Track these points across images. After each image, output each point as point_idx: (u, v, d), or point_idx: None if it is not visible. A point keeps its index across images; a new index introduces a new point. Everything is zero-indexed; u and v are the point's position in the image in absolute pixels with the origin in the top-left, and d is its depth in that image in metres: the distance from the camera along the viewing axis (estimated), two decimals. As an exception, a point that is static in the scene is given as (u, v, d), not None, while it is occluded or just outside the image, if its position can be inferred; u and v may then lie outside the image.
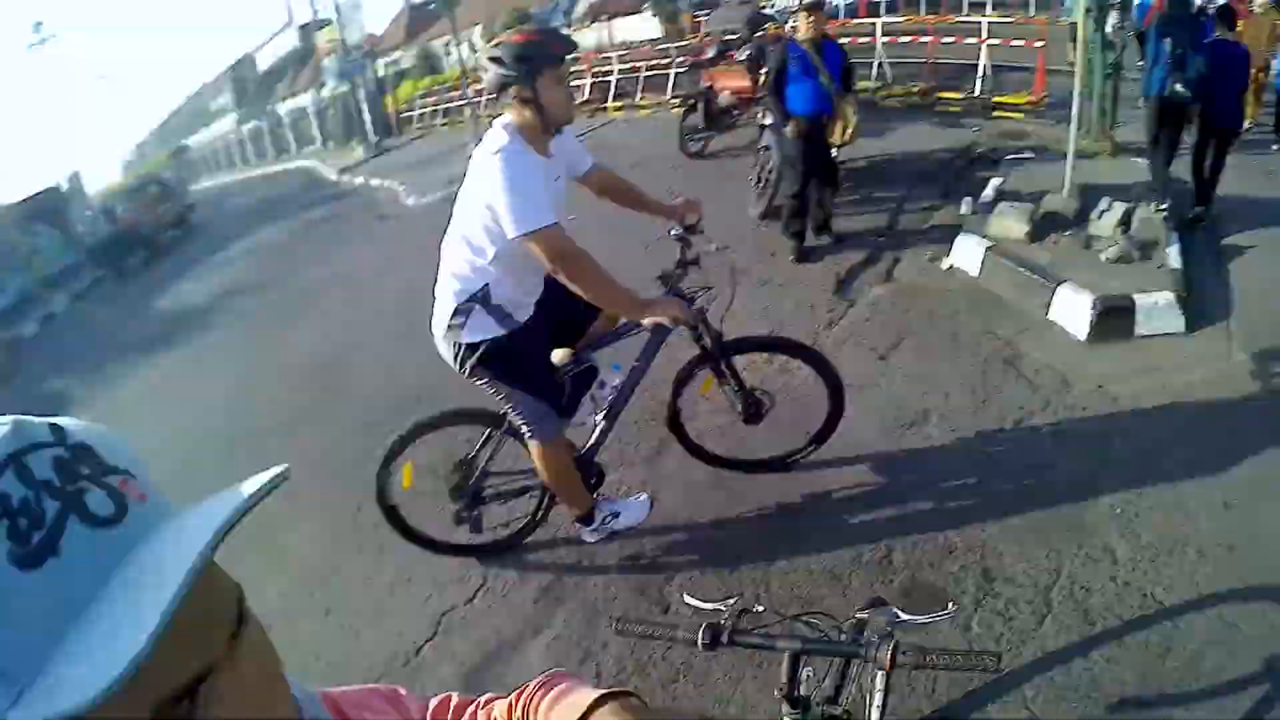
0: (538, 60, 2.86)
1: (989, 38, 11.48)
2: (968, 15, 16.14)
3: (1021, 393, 4.48)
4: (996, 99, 10.90)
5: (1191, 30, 6.46)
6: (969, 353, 5.00)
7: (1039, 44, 10.75)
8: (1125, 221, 6.01)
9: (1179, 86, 6.27)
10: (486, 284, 3.01)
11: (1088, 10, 7.76)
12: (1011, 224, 6.24)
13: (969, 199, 7.18)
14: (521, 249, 2.86)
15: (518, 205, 2.79)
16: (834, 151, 6.94)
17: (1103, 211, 6.23)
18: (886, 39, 13.22)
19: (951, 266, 6.28)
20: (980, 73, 11.29)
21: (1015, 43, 11.30)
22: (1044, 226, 6.27)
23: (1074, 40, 8.45)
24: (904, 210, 7.58)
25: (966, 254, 6.22)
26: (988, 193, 7.27)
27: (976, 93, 11.22)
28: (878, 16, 15.50)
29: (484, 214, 2.90)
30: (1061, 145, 8.48)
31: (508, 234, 2.83)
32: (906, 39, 13.53)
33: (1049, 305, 5.36)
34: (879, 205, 7.75)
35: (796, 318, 5.80)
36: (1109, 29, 8.34)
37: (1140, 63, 7.99)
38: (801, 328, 5.48)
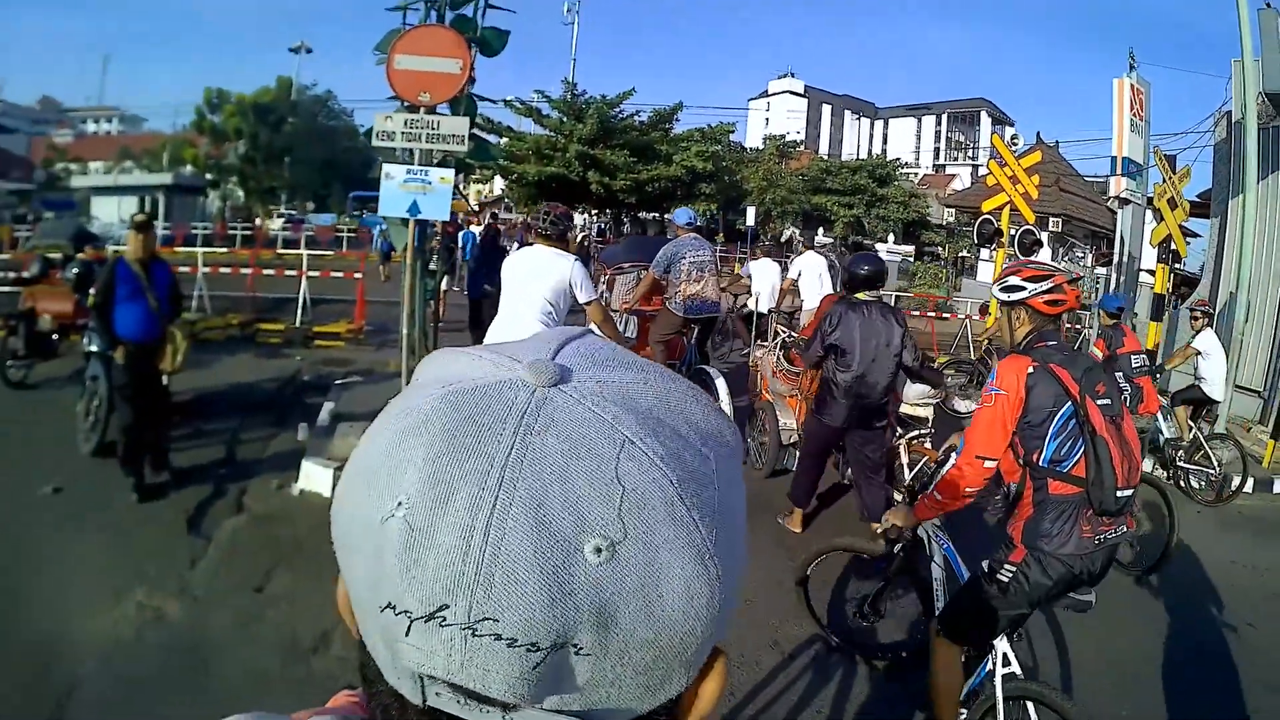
0: None
1: (309, 270, 12.60)
2: (285, 249, 17.47)
3: None
4: (316, 328, 11.92)
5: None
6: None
7: (358, 275, 12.26)
8: None
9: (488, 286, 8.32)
10: None
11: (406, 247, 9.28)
12: (355, 443, 6.85)
13: (304, 424, 7.70)
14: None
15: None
16: (164, 379, 6.84)
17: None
18: (207, 269, 13.59)
19: (302, 490, 6.62)
20: (300, 304, 12.28)
21: (335, 274, 12.80)
22: None
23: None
24: (240, 440, 7.76)
25: (316, 476, 6.62)
26: (323, 416, 7.86)
27: (297, 323, 12.14)
28: (196, 246, 15.91)
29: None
30: (385, 367, 9.71)
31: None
32: (227, 270, 14.10)
33: None
34: (214, 438, 7.82)
35: (156, 565, 5.46)
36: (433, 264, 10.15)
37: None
38: (166, 572, 5.28)
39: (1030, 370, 3.12)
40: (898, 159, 46.67)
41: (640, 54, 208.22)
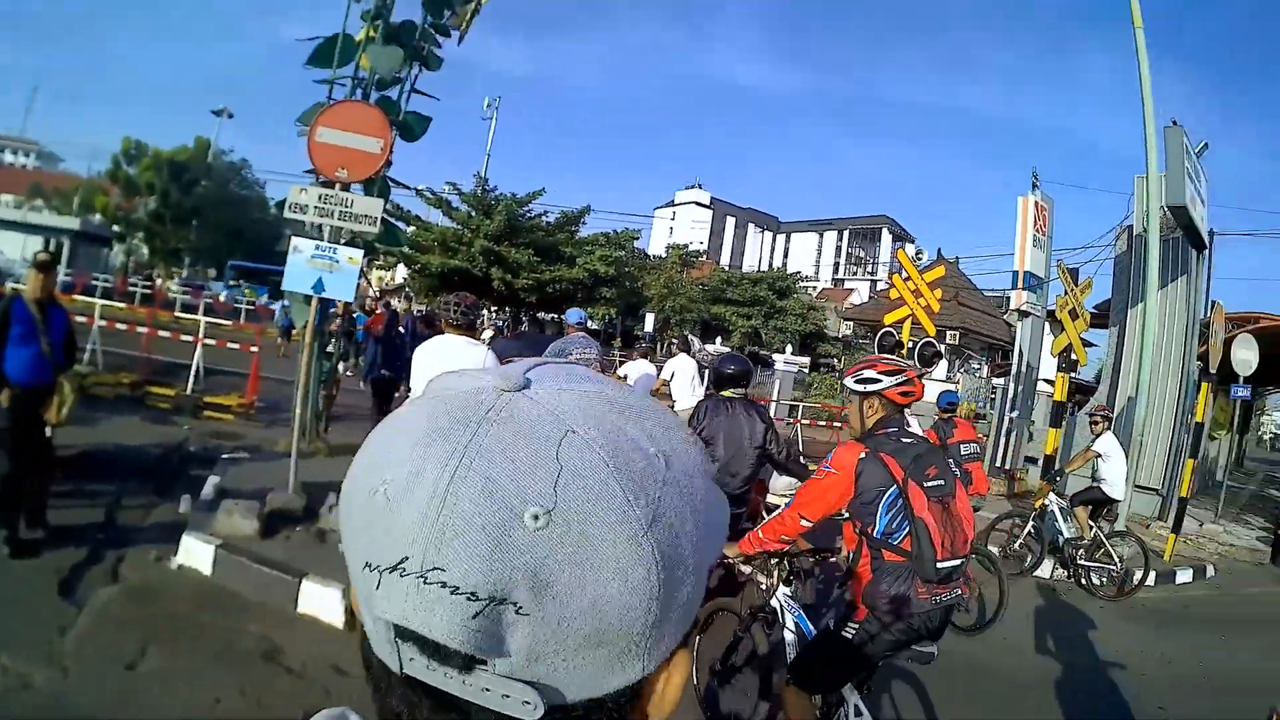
0: None
1: (204, 338, 12.33)
2: (182, 314, 17.01)
3: (291, 685, 4.79)
4: (207, 398, 11.62)
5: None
6: (225, 653, 5.10)
7: (254, 349, 12.02)
8: None
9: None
10: None
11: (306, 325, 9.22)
12: (239, 521, 6.66)
13: (187, 496, 7.47)
14: None
15: None
16: (48, 431, 6.52)
17: (330, 506, 7.16)
18: (103, 323, 13.19)
19: (181, 565, 6.37)
20: (193, 371, 11.98)
21: (230, 345, 12.54)
22: (273, 522, 6.86)
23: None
24: (121, 505, 7.47)
25: (196, 552, 6.38)
26: (208, 490, 7.61)
27: (188, 390, 11.82)
28: (95, 297, 15.41)
29: None
30: (274, 445, 9.47)
31: None
32: (122, 327, 13.78)
33: (296, 599, 5.86)
34: (94, 499, 7.51)
35: (24, 626, 5.23)
36: (330, 346, 10.10)
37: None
38: (35, 636, 5.00)
39: (861, 456, 3.58)
40: (798, 272, 48.42)
41: (553, 155, 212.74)
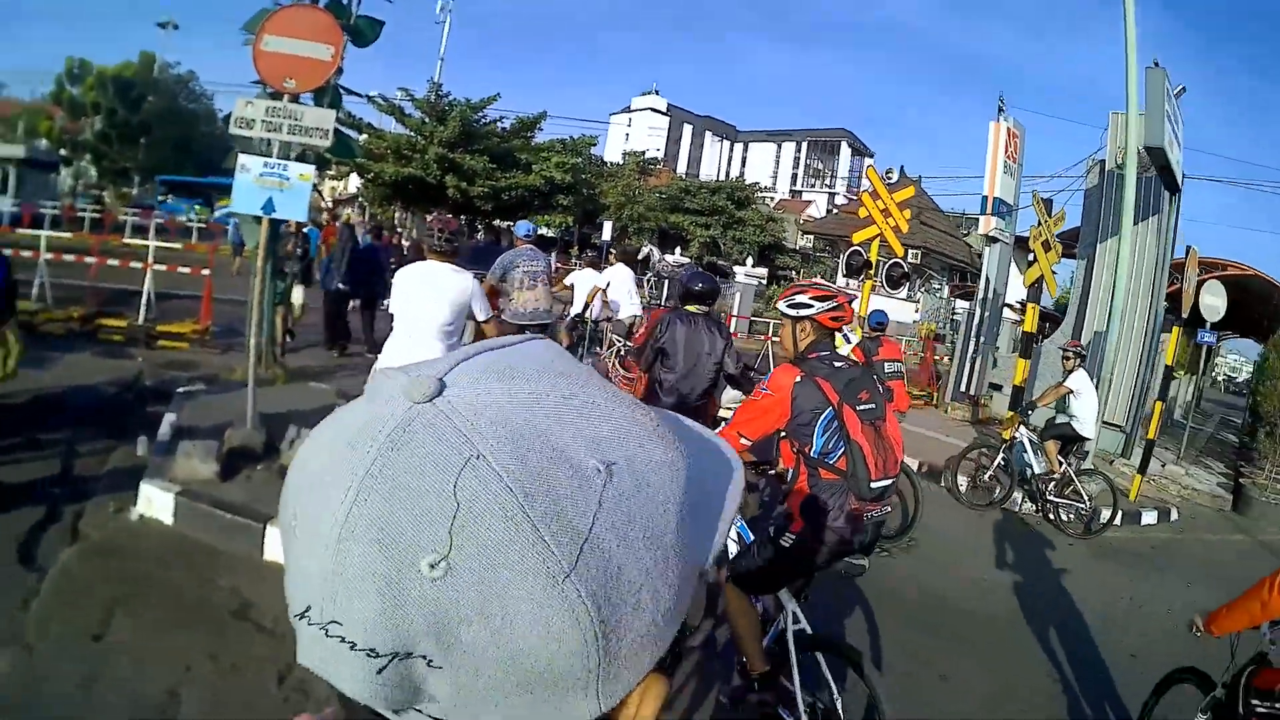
0: None
1: (154, 263, 11.64)
2: (132, 238, 16.13)
3: (265, 644, 4.45)
4: (160, 327, 11.02)
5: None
6: (195, 613, 4.77)
7: (205, 271, 11.37)
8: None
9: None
10: None
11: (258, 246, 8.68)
12: (198, 464, 6.23)
13: (144, 438, 7.03)
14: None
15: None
16: None
17: (292, 440, 6.74)
18: (50, 255, 12.33)
19: (142, 516, 5.97)
20: (145, 299, 11.34)
21: (182, 269, 11.83)
22: (233, 462, 6.45)
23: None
24: (76, 454, 6.98)
25: (157, 501, 5.98)
26: (164, 430, 7.17)
27: (140, 320, 11.19)
28: (42, 229, 14.55)
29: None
30: (232, 374, 9.00)
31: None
32: (70, 257, 12.84)
33: (262, 545, 5.51)
34: (46, 450, 7.00)
35: None
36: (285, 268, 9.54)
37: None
38: None
39: (797, 380, 3.72)
40: (756, 183, 47.46)
41: (508, 61, 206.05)
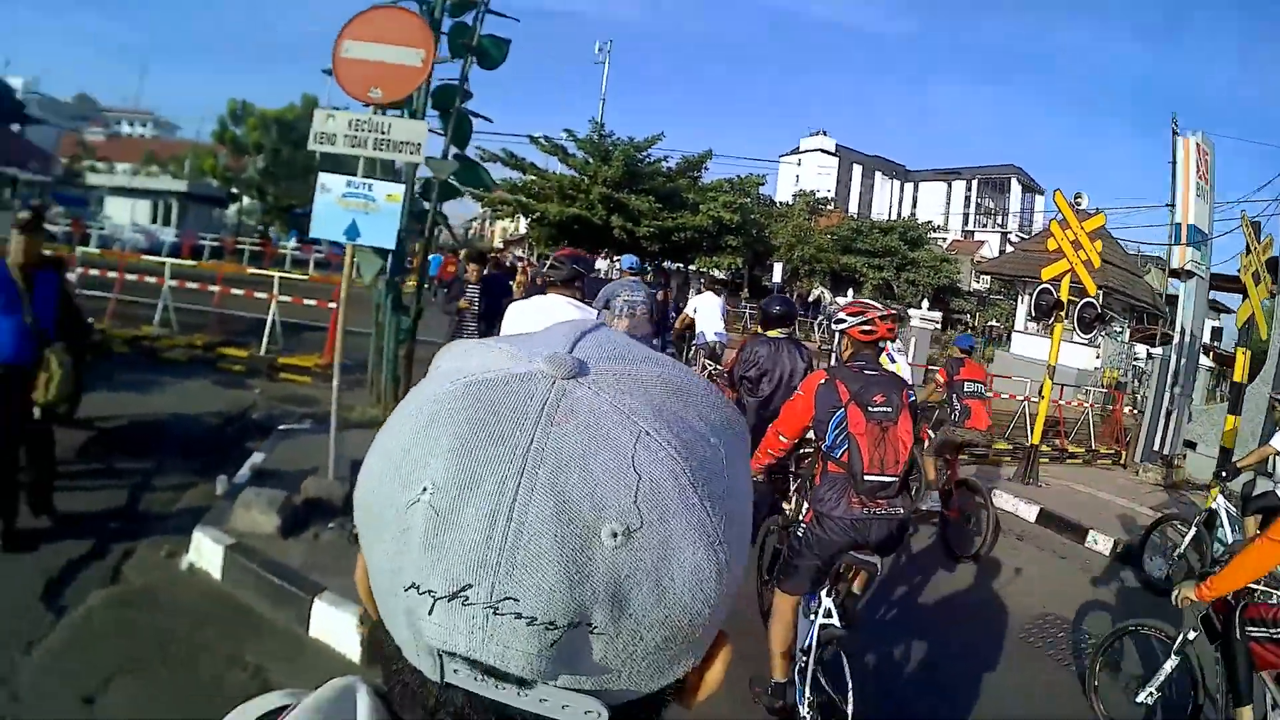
0: None
1: (279, 293, 11.33)
2: (261, 268, 16.20)
3: None
4: (283, 359, 10.62)
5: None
6: (207, 689, 4.06)
7: (332, 304, 10.93)
8: None
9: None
10: None
11: (380, 272, 8.06)
12: (257, 516, 5.49)
13: (224, 476, 6.41)
14: None
15: None
16: (36, 412, 5.39)
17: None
18: (174, 282, 12.25)
19: (192, 565, 5.30)
20: (268, 329, 11.01)
21: (308, 301, 11.47)
22: (303, 515, 5.71)
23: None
24: (151, 487, 6.49)
25: (206, 552, 5.30)
26: (244, 471, 6.57)
27: (263, 351, 10.84)
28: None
29: None
30: (350, 412, 8.36)
31: None
32: (195, 285, 12.78)
33: (308, 620, 4.68)
34: (123, 479, 6.55)
35: None
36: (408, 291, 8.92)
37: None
38: None
39: (821, 382, 4.09)
40: (929, 222, 45.23)
41: (670, 103, 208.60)
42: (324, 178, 5.64)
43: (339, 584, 4.85)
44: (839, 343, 4.41)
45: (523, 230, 47.67)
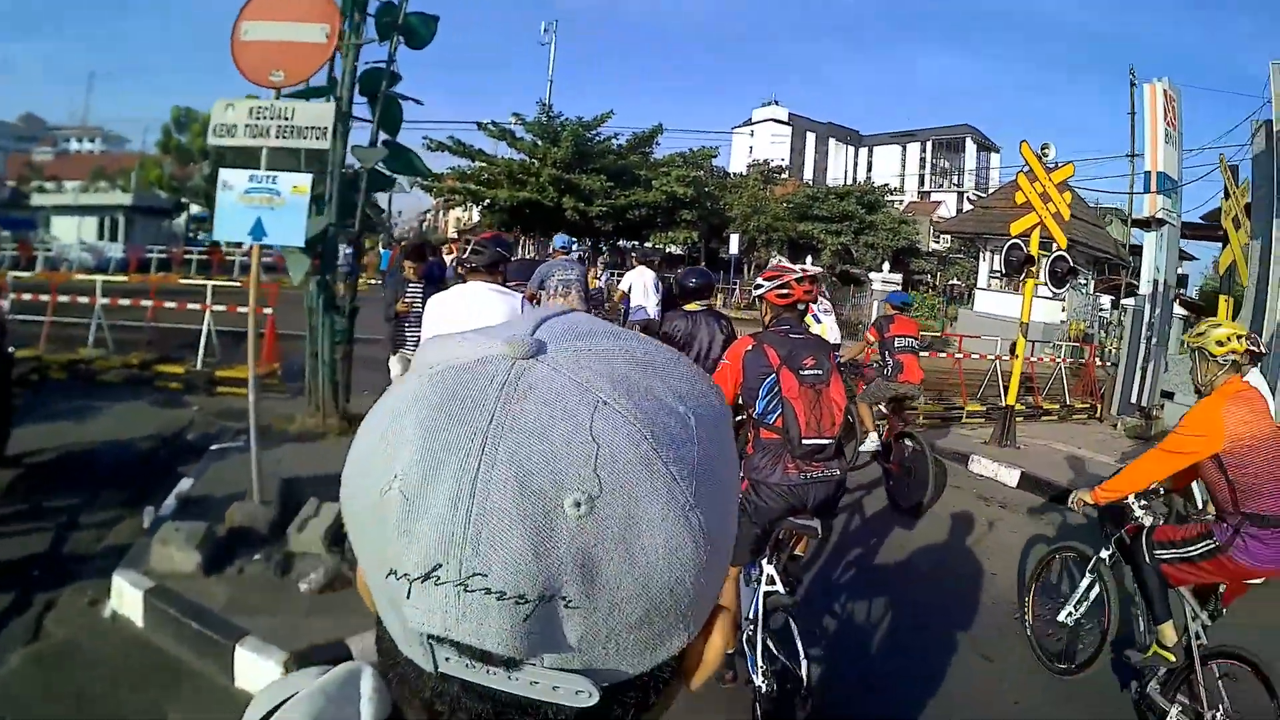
0: None
1: (213, 303, 10.61)
2: (193, 278, 15.36)
3: None
4: (220, 372, 9.94)
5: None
6: None
7: (268, 310, 10.25)
8: (339, 529, 5.13)
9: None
10: None
11: (310, 272, 7.56)
12: (176, 553, 4.90)
13: (150, 509, 5.86)
14: None
15: None
16: None
17: (306, 519, 5.33)
18: (106, 300, 11.38)
19: (115, 613, 4.75)
20: (203, 341, 10.32)
21: (242, 309, 10.76)
22: (227, 548, 5.15)
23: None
24: (78, 525, 5.93)
25: (127, 597, 4.76)
26: (170, 500, 6.00)
27: (199, 364, 10.15)
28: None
29: None
30: (289, 425, 7.81)
31: None
32: (127, 301, 11.82)
33: (232, 669, 4.17)
34: (48, 519, 6.00)
35: None
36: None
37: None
38: None
39: (748, 348, 4.11)
40: (885, 185, 44.86)
41: (619, 79, 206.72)
42: (225, 174, 5.07)
43: (265, 625, 4.36)
44: (761, 308, 4.43)
45: (475, 219, 46.86)
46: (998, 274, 27.54)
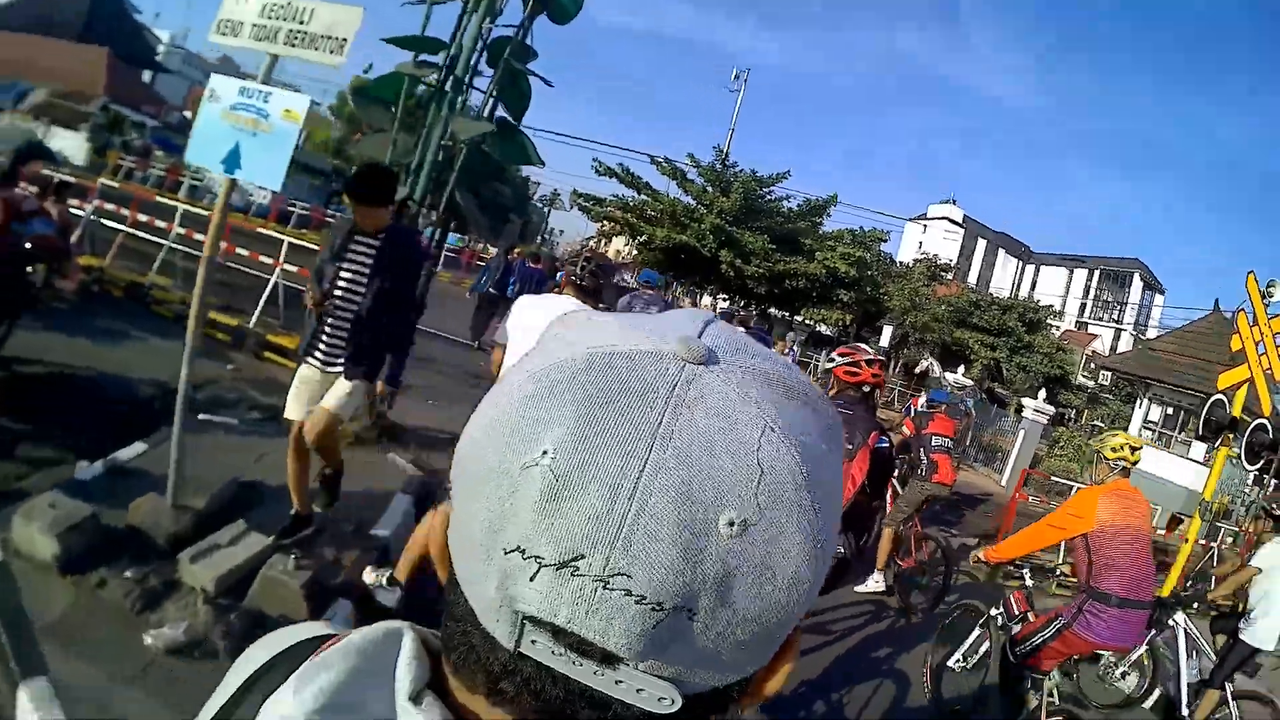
0: None
1: (286, 260, 9.50)
2: (269, 228, 14.34)
3: None
4: (272, 336, 8.79)
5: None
6: None
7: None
8: (245, 577, 3.88)
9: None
10: None
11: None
12: (36, 534, 3.74)
13: (85, 462, 4.83)
14: None
15: None
16: None
17: (214, 547, 4.03)
18: (183, 230, 10.48)
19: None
20: (263, 299, 9.21)
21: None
22: (102, 548, 3.90)
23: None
24: (13, 454, 4.89)
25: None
26: (97, 466, 4.90)
27: (252, 323, 8.99)
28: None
29: None
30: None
31: None
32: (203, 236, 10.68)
33: (10, 710, 2.98)
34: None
35: None
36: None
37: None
38: None
39: None
40: (1049, 306, 41.62)
41: (800, 148, 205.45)
42: (215, 80, 3.81)
43: (75, 672, 3.13)
44: (828, 383, 4.47)
45: (634, 253, 45.74)
46: (1152, 426, 24.57)
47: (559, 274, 18.98)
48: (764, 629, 0.47)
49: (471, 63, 6.79)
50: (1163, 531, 10.21)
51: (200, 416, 5.98)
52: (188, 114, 48.25)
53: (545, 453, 0.45)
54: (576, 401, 0.46)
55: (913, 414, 9.26)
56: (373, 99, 6.66)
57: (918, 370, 27.85)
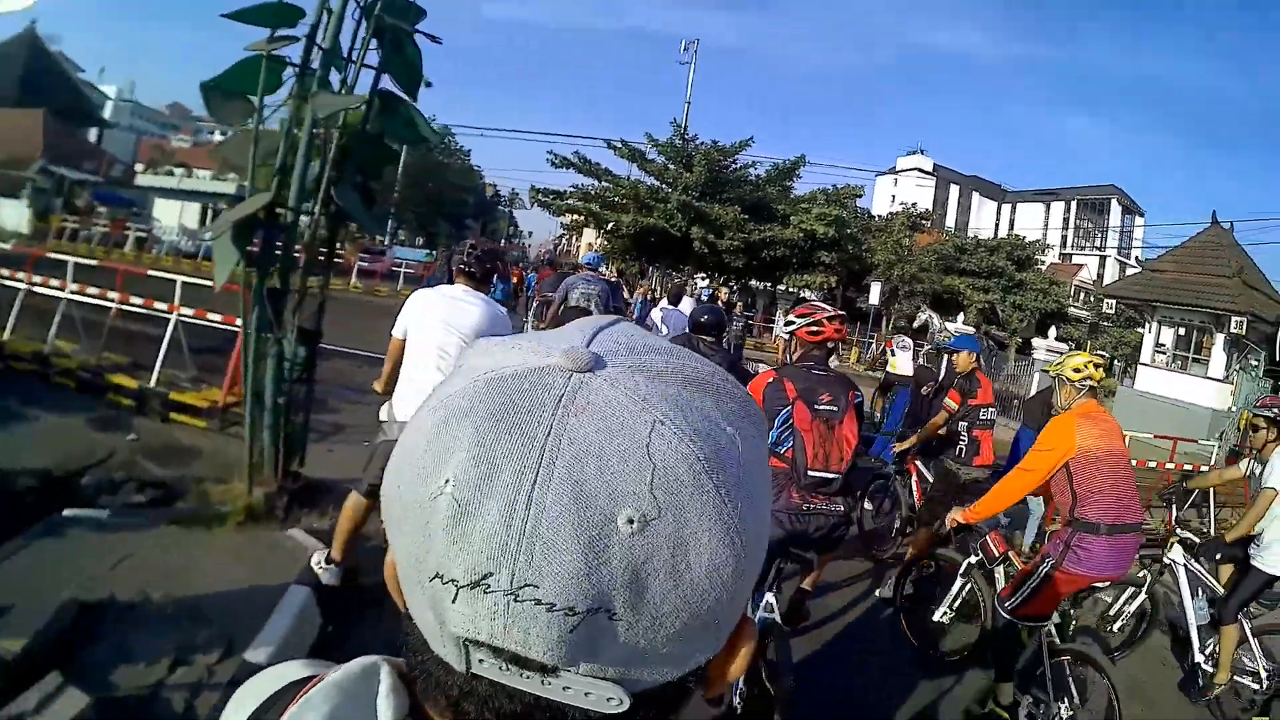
0: None
1: (182, 304, 8.07)
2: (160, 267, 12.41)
3: None
4: (175, 395, 7.43)
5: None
6: None
7: (239, 322, 7.51)
8: None
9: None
10: None
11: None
12: None
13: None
14: None
15: None
16: None
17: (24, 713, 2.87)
18: (75, 286, 8.89)
19: None
20: (162, 352, 7.79)
21: (213, 317, 8.07)
22: None
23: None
24: None
25: None
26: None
27: (153, 381, 7.61)
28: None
29: None
30: (226, 484, 5.38)
31: None
32: (94, 291, 8.99)
33: None
34: None
35: None
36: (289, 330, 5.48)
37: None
38: None
39: (770, 380, 4.01)
40: (1036, 242, 40.45)
41: (760, 116, 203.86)
42: None
43: None
44: (790, 344, 4.35)
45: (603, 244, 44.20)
46: (1164, 349, 23.39)
47: (530, 278, 18.36)
48: (695, 619, 0.48)
49: (343, 29, 5.46)
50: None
51: (66, 513, 4.71)
52: (138, 166, 47.07)
53: (447, 480, 0.46)
54: (471, 427, 0.47)
55: (956, 383, 7.34)
56: (226, 94, 5.33)
57: (916, 324, 26.71)
